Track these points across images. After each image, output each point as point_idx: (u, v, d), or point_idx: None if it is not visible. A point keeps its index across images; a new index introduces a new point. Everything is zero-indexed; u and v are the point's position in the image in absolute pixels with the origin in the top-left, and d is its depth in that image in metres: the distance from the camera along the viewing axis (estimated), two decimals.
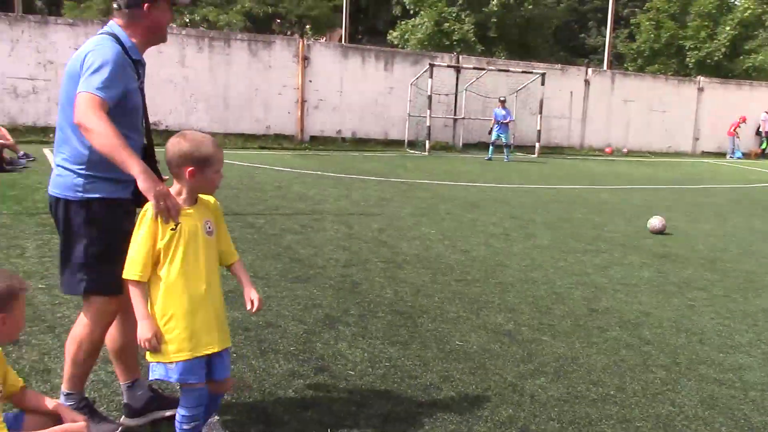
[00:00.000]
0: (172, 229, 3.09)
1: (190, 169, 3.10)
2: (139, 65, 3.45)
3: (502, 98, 22.30)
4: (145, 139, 3.58)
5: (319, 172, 15.43)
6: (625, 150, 28.34)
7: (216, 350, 3.20)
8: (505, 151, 21.86)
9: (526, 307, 6.17)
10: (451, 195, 13.09)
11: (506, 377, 4.58)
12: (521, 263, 7.80)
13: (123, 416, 3.67)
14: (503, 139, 21.81)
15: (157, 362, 3.13)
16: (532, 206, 12.16)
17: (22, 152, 13.75)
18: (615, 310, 6.25)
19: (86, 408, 3.49)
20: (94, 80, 3.12)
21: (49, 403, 3.04)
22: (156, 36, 3.54)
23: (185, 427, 3.20)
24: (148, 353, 3.13)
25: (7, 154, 13.01)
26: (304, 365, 4.55)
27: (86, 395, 3.65)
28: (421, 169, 17.57)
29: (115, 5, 3.41)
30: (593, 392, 4.45)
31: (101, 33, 3.39)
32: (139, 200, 3.25)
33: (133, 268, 3.05)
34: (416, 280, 6.82)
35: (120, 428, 3.54)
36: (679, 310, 6.40)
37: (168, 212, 3.05)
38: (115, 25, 3.41)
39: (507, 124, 21.83)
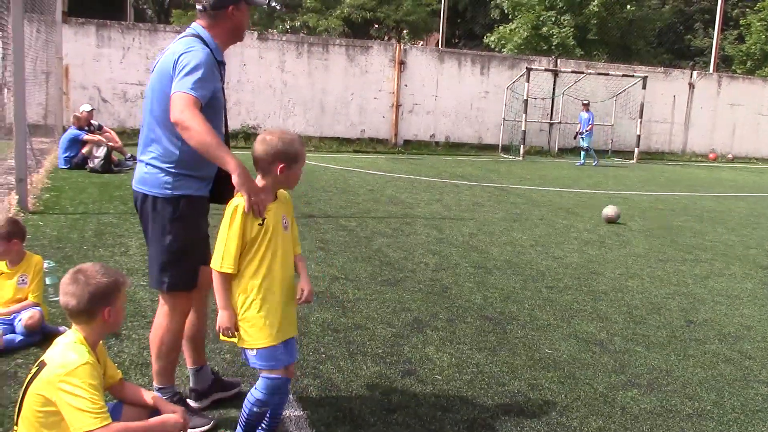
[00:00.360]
0: (259, 224, 3.21)
1: (282, 165, 3.22)
2: (222, 66, 3.60)
3: (585, 101, 21.82)
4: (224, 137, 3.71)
5: (411, 176, 15.49)
6: (730, 156, 27.23)
7: (291, 336, 3.37)
8: (593, 155, 21.37)
9: (619, 316, 6.02)
10: (544, 200, 12.90)
11: (597, 388, 4.48)
12: (616, 271, 7.61)
13: (188, 399, 3.84)
14: (585, 143, 21.29)
15: (242, 348, 3.29)
16: (628, 213, 11.84)
17: (129, 154, 14.38)
18: (714, 323, 6.02)
19: (179, 402, 3.63)
20: (189, 80, 3.26)
21: (147, 395, 3.18)
22: (236, 37, 3.67)
23: (255, 409, 3.33)
24: (234, 339, 3.27)
25: (115, 156, 13.64)
26: (391, 368, 4.58)
27: (179, 390, 3.81)
28: (515, 174, 17.39)
29: (199, 7, 3.53)
30: (688, 407, 4.30)
31: (187, 35, 3.52)
32: (221, 197, 3.45)
33: (227, 260, 3.17)
34: (506, 286, 6.76)
35: (212, 422, 3.67)
36: None
37: (258, 207, 3.18)
38: (199, 26, 3.54)
39: (590, 129, 21.28)
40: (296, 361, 4.34)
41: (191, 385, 3.88)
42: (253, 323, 3.23)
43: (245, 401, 3.37)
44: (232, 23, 3.55)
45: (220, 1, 3.48)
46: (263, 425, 3.45)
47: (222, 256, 3.17)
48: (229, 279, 3.22)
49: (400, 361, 4.71)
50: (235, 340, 3.27)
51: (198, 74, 3.28)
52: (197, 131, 3.15)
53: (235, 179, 3.14)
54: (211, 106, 3.40)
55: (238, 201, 3.18)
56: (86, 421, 2.68)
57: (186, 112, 3.18)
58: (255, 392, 3.32)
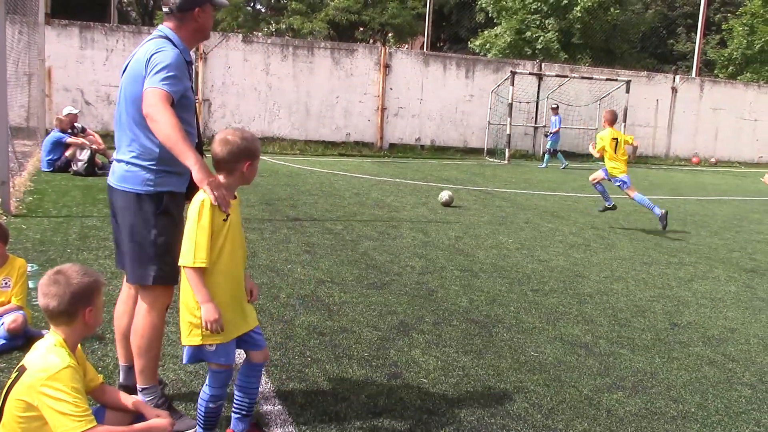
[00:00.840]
0: (224, 220, 3.26)
1: (248, 163, 3.33)
2: (190, 66, 3.67)
3: (554, 105, 22.03)
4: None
5: (397, 180, 15.49)
6: (713, 160, 27.45)
7: (247, 330, 3.44)
8: (546, 157, 21.58)
9: (604, 319, 6.05)
10: (530, 204, 12.95)
11: (582, 390, 4.49)
12: (601, 274, 7.65)
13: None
14: (549, 145, 21.55)
15: (196, 346, 3.29)
16: (613, 216, 11.90)
17: (112, 157, 14.28)
18: (698, 325, 6.06)
19: (164, 404, 3.64)
20: (160, 77, 3.35)
21: (126, 399, 3.15)
22: (202, 37, 3.79)
23: (211, 405, 3.42)
24: (188, 338, 3.29)
25: (98, 159, 13.54)
26: (377, 371, 4.57)
27: (164, 392, 3.79)
28: (500, 178, 17.43)
29: (166, 9, 3.62)
30: (673, 409, 4.32)
31: (155, 37, 3.60)
32: (189, 194, 3.52)
33: (200, 254, 3.18)
34: (492, 289, 6.77)
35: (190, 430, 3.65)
36: (767, 326, 6.15)
37: (222, 201, 3.22)
38: (166, 28, 3.62)
39: (557, 131, 21.53)
40: (288, 361, 4.34)
41: (121, 380, 3.89)
42: None
43: (199, 400, 3.44)
44: (197, 24, 3.64)
45: (187, 4, 3.57)
46: (242, 412, 3.52)
47: (194, 252, 3.17)
48: (202, 273, 3.20)
49: (386, 364, 4.71)
50: (219, 338, 3.26)
51: (169, 71, 3.37)
52: (164, 124, 3.24)
53: (195, 174, 3.21)
54: (183, 105, 3.49)
55: (204, 196, 3.20)
56: (70, 424, 2.66)
57: (157, 105, 3.27)
58: (207, 389, 3.41)
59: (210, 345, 3.27)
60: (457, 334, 5.40)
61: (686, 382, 4.77)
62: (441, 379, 4.52)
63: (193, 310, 3.24)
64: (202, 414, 3.43)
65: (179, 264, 3.25)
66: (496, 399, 4.28)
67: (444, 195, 11.97)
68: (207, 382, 3.41)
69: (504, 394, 4.35)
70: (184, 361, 3.39)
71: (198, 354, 3.32)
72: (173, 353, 4.58)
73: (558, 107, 21.93)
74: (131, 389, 3.83)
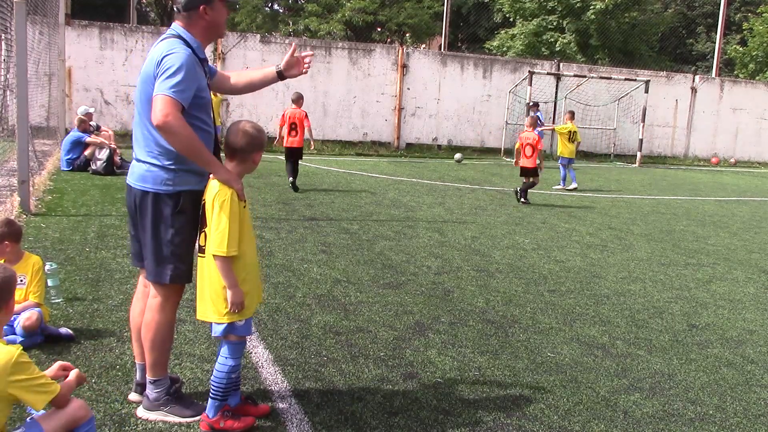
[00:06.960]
0: (243, 207, 3.56)
1: (259, 153, 3.61)
2: (205, 63, 3.70)
3: (531, 103, 21.86)
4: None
5: (414, 179, 15.48)
6: (732, 160, 27.21)
7: (260, 301, 3.84)
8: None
9: (621, 320, 6.02)
10: (546, 204, 12.89)
11: (599, 391, 4.47)
12: (618, 275, 7.61)
13: (132, 392, 3.91)
14: None
15: (227, 323, 3.54)
16: (631, 217, 11.83)
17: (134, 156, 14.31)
18: (716, 327, 6.01)
19: (176, 393, 3.72)
20: (170, 83, 3.37)
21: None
22: (215, 33, 3.81)
23: (233, 375, 3.62)
24: (218, 314, 3.52)
25: (118, 158, 13.62)
26: (393, 371, 4.57)
27: (177, 378, 3.92)
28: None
29: (175, 8, 3.64)
30: (691, 411, 4.29)
31: (168, 36, 3.60)
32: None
33: (233, 244, 3.44)
34: (508, 289, 6.75)
35: (200, 415, 3.71)
36: None
37: (242, 192, 3.53)
38: (179, 27, 3.63)
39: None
40: (305, 360, 4.37)
41: (138, 379, 3.91)
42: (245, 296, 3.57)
43: (217, 374, 3.59)
44: (207, 22, 3.65)
45: (192, 2, 3.59)
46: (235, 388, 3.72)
47: (227, 242, 3.42)
48: (232, 261, 3.47)
49: (402, 364, 4.71)
50: (248, 313, 3.57)
51: (179, 76, 3.38)
52: (179, 135, 3.36)
53: (220, 176, 3.48)
54: (198, 105, 3.53)
55: (228, 190, 3.46)
56: (47, 397, 2.90)
57: (169, 117, 3.31)
58: (228, 360, 3.60)
59: (240, 321, 3.55)
60: (473, 334, 5.39)
61: (704, 384, 4.73)
62: (457, 379, 4.52)
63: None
64: (223, 386, 3.59)
65: (212, 253, 3.44)
66: (513, 400, 4.27)
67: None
68: (227, 355, 3.60)
69: (520, 395, 4.34)
70: (218, 335, 3.58)
71: (229, 329, 3.55)
72: (191, 352, 4.61)
73: (538, 104, 21.59)
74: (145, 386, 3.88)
